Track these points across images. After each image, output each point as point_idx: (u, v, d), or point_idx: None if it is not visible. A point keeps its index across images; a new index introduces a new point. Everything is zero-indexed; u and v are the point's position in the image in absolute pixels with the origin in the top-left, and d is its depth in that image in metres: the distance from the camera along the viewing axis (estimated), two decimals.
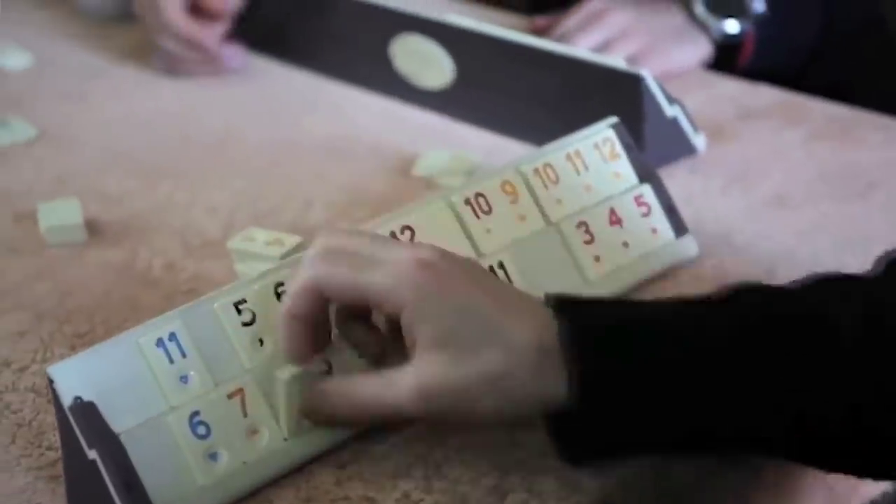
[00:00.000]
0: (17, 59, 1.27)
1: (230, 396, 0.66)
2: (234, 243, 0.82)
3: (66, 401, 0.62)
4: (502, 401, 0.62)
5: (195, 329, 0.66)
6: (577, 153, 0.82)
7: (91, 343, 0.76)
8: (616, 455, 0.65)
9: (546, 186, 0.80)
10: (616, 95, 0.97)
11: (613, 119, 0.84)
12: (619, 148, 0.84)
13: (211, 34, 1.20)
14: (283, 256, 0.79)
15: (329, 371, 0.67)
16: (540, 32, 1.20)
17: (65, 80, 1.24)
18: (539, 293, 0.74)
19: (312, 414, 0.66)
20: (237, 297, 0.68)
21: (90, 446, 0.62)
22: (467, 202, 0.77)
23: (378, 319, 0.69)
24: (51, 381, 0.63)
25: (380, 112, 1.13)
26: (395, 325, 0.65)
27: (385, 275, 0.63)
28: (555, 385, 0.61)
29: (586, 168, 0.82)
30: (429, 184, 0.97)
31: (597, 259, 0.80)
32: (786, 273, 0.83)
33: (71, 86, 1.22)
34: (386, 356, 0.68)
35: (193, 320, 0.66)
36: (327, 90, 1.19)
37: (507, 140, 1.05)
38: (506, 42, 1.04)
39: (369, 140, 1.07)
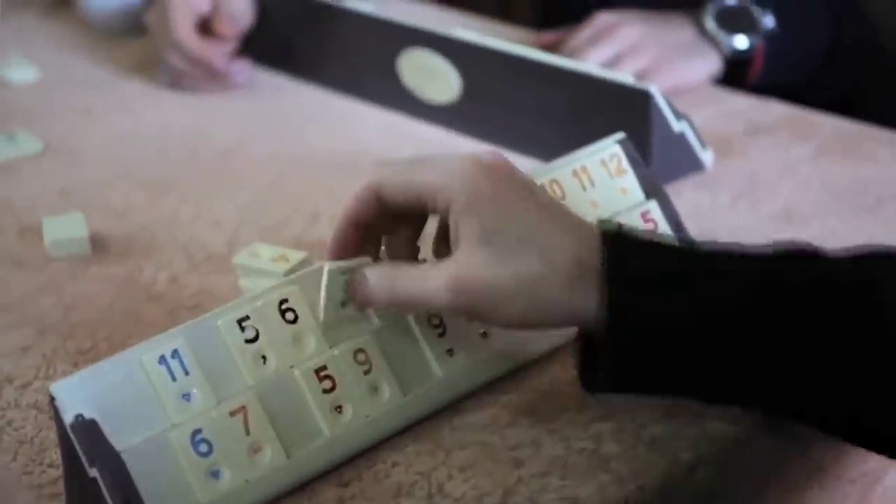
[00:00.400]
0: (23, 73, 1.27)
1: (232, 414, 0.65)
2: (239, 259, 0.82)
3: (68, 418, 0.62)
4: (531, 306, 0.64)
5: (198, 346, 0.66)
6: (584, 169, 0.81)
7: (94, 359, 0.76)
8: (631, 389, 0.66)
9: None
10: (623, 111, 0.97)
11: (620, 135, 0.84)
12: (625, 164, 0.83)
13: (219, 53, 1.20)
14: (288, 272, 0.79)
15: None
16: (547, 48, 1.20)
17: (71, 93, 1.23)
18: None
19: (351, 296, 0.68)
20: (240, 314, 0.67)
21: (91, 464, 0.61)
22: None
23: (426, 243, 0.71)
24: (52, 399, 0.63)
25: (386, 126, 1.13)
26: (442, 240, 0.69)
27: (440, 173, 0.66)
28: (585, 303, 0.64)
29: (593, 184, 0.81)
30: None
31: None
32: None
33: (77, 99, 1.22)
34: None
35: (196, 337, 0.66)
36: (334, 104, 1.18)
37: (513, 155, 1.04)
38: (512, 57, 1.04)
39: (375, 154, 1.06)
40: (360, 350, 0.70)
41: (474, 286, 0.64)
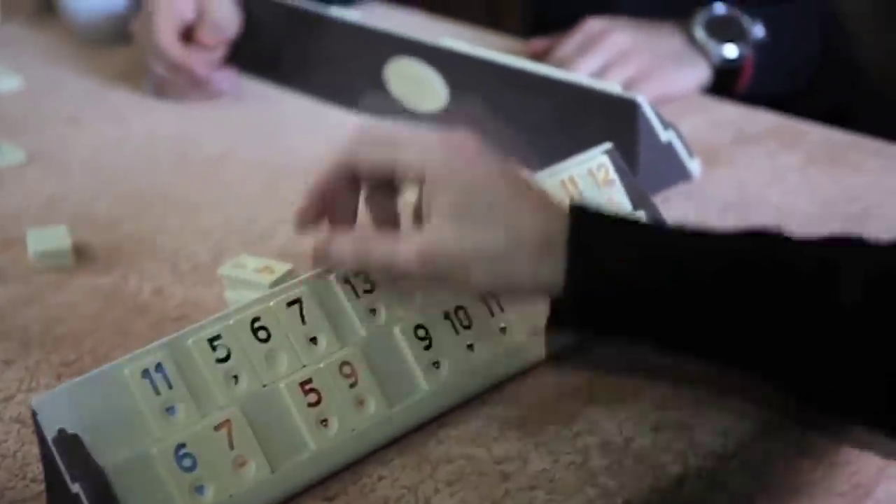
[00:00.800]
0: (7, 82, 1.26)
1: (217, 428, 0.65)
2: (225, 270, 0.82)
3: (50, 433, 0.61)
4: (497, 277, 0.67)
5: (182, 360, 0.65)
6: (572, 179, 0.81)
7: (78, 371, 0.76)
8: (591, 337, 0.72)
9: None
10: (610, 120, 0.97)
11: (608, 145, 0.83)
12: (613, 173, 0.83)
13: (201, 60, 1.19)
14: (273, 284, 0.79)
15: None
16: (537, 56, 1.20)
17: (56, 102, 1.23)
18: (532, 321, 0.74)
19: (321, 257, 0.71)
20: (212, 334, 0.67)
21: (73, 480, 0.61)
22: None
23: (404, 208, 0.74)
24: (34, 413, 0.62)
25: None
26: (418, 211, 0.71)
27: (416, 151, 0.69)
28: (552, 275, 0.66)
29: (580, 194, 0.81)
30: None
31: None
32: None
33: (62, 108, 1.21)
34: None
35: (180, 351, 0.66)
36: (321, 113, 1.18)
37: None
38: (500, 66, 1.03)
39: None
40: (346, 363, 0.69)
41: (442, 257, 0.67)
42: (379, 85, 1.12)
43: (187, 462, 0.64)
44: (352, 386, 0.69)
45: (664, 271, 0.66)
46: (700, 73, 1.19)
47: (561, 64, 1.15)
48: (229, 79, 1.22)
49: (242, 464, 0.65)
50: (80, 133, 1.15)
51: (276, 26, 1.24)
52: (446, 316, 0.73)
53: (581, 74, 1.09)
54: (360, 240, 0.71)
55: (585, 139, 0.85)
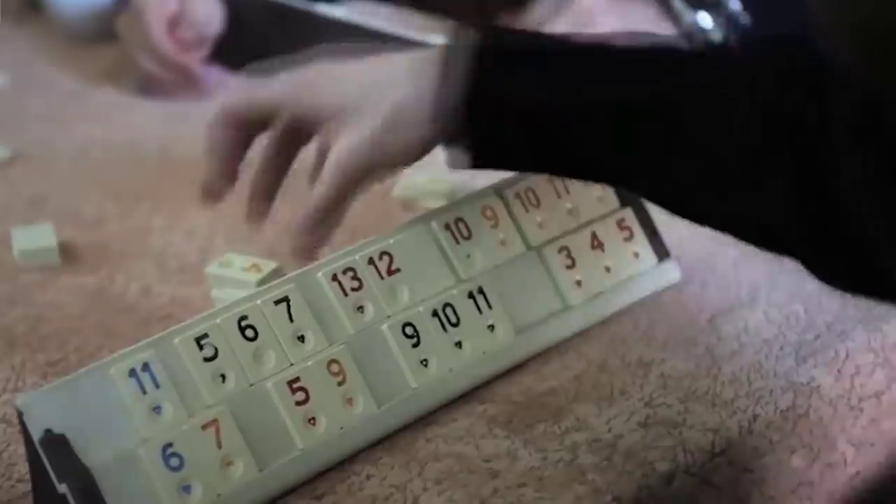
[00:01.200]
0: None
1: (204, 427, 0.64)
2: (211, 269, 0.81)
3: (36, 434, 0.61)
4: (409, 133, 0.72)
5: (169, 359, 0.65)
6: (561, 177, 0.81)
7: (64, 371, 0.75)
8: (489, 163, 0.73)
9: (527, 210, 0.79)
10: None
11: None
12: None
13: (193, 57, 1.19)
14: (260, 282, 0.78)
15: None
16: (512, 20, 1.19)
17: (40, 100, 1.22)
18: (519, 318, 0.74)
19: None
20: (199, 332, 0.66)
21: (60, 480, 0.60)
22: (447, 227, 0.76)
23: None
24: (20, 413, 0.62)
25: None
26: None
27: (280, 87, 0.77)
28: (446, 97, 0.70)
29: (567, 191, 0.81)
30: (409, 206, 0.96)
31: (578, 284, 0.79)
32: (768, 298, 0.82)
33: (46, 106, 1.20)
34: None
35: (167, 350, 0.65)
36: None
37: None
38: None
39: None
40: (334, 361, 0.69)
41: (358, 153, 0.72)
42: None
43: (174, 462, 0.63)
44: (340, 384, 0.69)
45: (567, 99, 0.69)
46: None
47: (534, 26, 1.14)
48: (218, 78, 1.21)
49: (230, 463, 0.65)
50: (65, 131, 1.15)
51: (261, 23, 1.23)
52: (434, 314, 0.73)
53: None
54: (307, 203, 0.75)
55: None
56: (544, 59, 0.70)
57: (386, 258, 0.73)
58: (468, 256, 0.76)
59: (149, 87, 1.21)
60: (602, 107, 0.68)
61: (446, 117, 0.71)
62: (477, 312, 0.75)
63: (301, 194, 0.77)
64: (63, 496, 0.60)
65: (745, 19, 1.20)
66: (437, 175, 0.99)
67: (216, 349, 0.66)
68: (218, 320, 0.67)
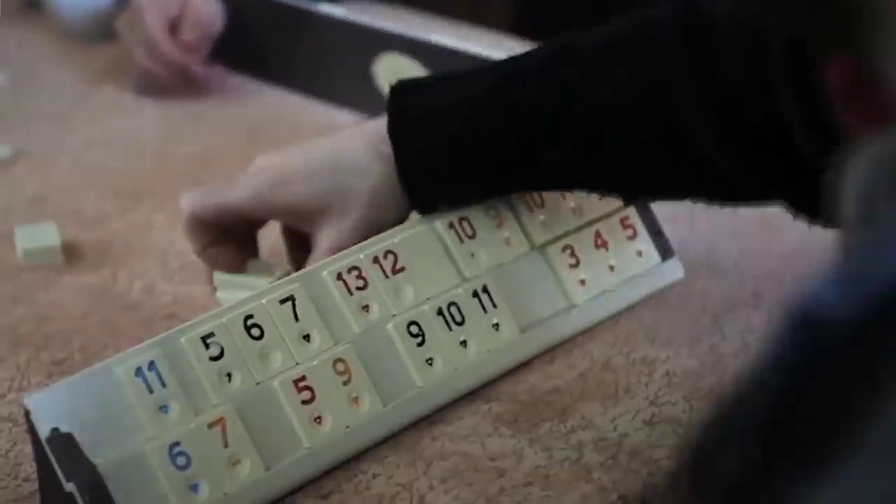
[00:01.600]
0: None
1: (211, 426, 0.65)
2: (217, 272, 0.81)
3: (44, 432, 0.61)
4: (391, 212, 0.76)
5: (175, 358, 0.65)
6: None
7: (68, 370, 0.75)
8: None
9: (531, 209, 0.79)
10: None
11: None
12: None
13: (193, 57, 1.19)
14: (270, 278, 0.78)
15: None
16: None
17: (41, 99, 1.22)
18: (524, 317, 0.74)
19: None
20: (205, 331, 0.66)
21: (68, 479, 0.60)
22: (451, 226, 0.76)
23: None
24: (27, 412, 0.62)
25: None
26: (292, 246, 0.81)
27: (240, 189, 0.78)
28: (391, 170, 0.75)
29: (572, 191, 0.81)
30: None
31: (582, 282, 0.79)
32: (772, 296, 0.82)
33: (47, 105, 1.20)
34: None
35: (173, 349, 0.65)
36: (309, 110, 1.17)
37: None
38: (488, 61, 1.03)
39: None
40: (340, 360, 0.69)
41: (347, 243, 0.74)
42: (367, 81, 1.12)
43: (181, 460, 0.63)
44: (345, 383, 0.69)
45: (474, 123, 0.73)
46: None
47: None
48: (218, 76, 1.21)
49: (236, 462, 0.65)
50: (66, 130, 1.14)
51: (261, 22, 1.23)
52: (439, 312, 0.73)
53: None
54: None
55: None
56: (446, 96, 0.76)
57: (391, 257, 0.73)
58: (473, 255, 0.76)
59: (148, 86, 1.21)
60: (526, 116, 0.73)
61: (412, 187, 0.75)
62: (482, 311, 0.75)
63: None
64: (70, 495, 0.60)
65: None
66: None
67: (222, 348, 0.66)
68: (224, 319, 0.67)
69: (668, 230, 0.84)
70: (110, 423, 0.63)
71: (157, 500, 0.62)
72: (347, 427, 0.68)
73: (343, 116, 1.15)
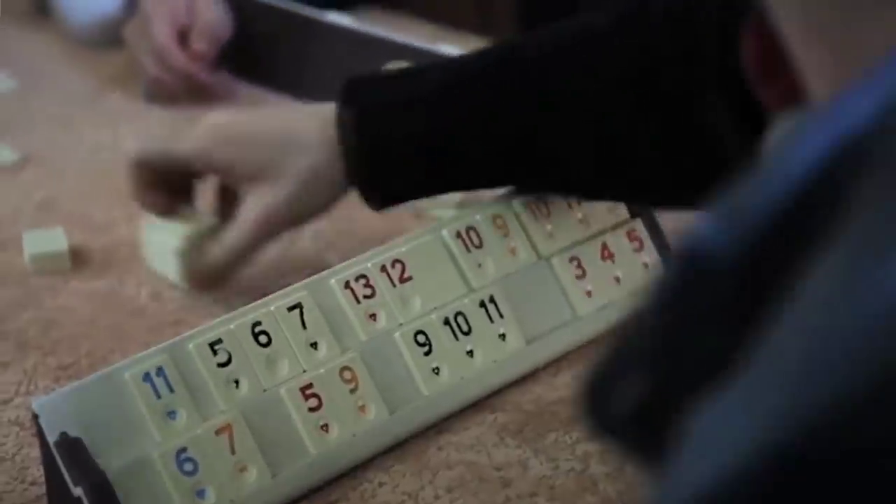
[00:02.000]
0: (0, 83, 1.25)
1: (218, 433, 0.65)
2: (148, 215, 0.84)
3: (52, 437, 0.61)
4: (322, 195, 0.77)
5: (182, 364, 0.65)
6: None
7: (75, 375, 0.76)
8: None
9: (538, 220, 0.79)
10: None
11: None
12: None
13: (201, 65, 1.19)
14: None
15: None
16: None
17: (50, 104, 1.22)
18: (530, 328, 0.74)
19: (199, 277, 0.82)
20: (213, 338, 0.67)
21: (76, 483, 0.61)
22: (458, 235, 0.76)
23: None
24: (36, 417, 0.62)
25: None
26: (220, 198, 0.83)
27: (187, 142, 0.79)
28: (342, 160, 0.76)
29: (578, 202, 0.81)
30: (418, 215, 0.96)
31: (588, 294, 0.79)
32: None
33: (56, 110, 1.20)
34: None
35: (181, 355, 0.66)
36: None
37: None
38: None
39: None
40: (346, 368, 0.69)
41: (276, 213, 0.77)
42: None
43: (188, 466, 0.64)
44: (352, 391, 0.69)
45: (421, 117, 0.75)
46: None
47: None
48: (226, 84, 1.22)
49: (243, 468, 0.65)
50: (74, 135, 1.15)
51: (269, 31, 1.24)
52: (446, 322, 0.73)
53: None
54: (217, 249, 0.80)
55: None
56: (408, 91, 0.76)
57: (398, 266, 0.73)
58: (479, 265, 0.76)
59: (156, 93, 1.21)
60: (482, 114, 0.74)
61: (353, 176, 0.76)
62: (488, 321, 0.75)
63: None
64: (78, 499, 0.60)
65: None
66: None
67: (230, 354, 0.67)
68: (232, 326, 0.68)
69: (674, 241, 0.84)
70: (118, 428, 0.63)
71: None
72: (354, 435, 0.68)
73: None
